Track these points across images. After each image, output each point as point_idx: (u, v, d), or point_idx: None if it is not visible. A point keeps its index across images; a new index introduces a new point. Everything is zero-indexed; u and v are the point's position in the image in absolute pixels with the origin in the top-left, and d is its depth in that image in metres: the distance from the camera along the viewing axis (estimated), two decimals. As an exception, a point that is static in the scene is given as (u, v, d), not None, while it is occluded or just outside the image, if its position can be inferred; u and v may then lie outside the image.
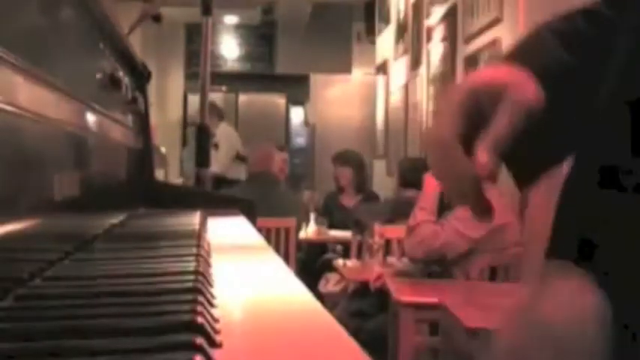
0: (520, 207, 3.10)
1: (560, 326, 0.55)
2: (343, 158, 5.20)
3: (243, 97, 10.51)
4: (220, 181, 6.08)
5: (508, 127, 0.60)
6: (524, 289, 0.61)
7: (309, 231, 4.87)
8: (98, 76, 1.26)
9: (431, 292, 2.64)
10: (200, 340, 0.50)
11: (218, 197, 2.15)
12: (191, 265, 0.80)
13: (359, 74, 8.94)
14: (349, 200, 5.12)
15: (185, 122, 9.54)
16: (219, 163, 6.52)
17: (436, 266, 2.97)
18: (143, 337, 0.53)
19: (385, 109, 6.90)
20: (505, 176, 0.65)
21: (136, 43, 2.10)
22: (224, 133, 6.95)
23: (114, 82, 1.33)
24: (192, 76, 9.68)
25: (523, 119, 0.61)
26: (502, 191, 3.14)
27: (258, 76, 10.66)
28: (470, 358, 1.99)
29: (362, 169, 5.26)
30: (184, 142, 9.44)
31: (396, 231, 3.69)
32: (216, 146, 6.61)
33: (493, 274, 3.02)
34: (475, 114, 0.63)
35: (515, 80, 0.63)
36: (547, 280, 0.58)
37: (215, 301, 0.68)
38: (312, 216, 4.93)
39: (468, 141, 0.63)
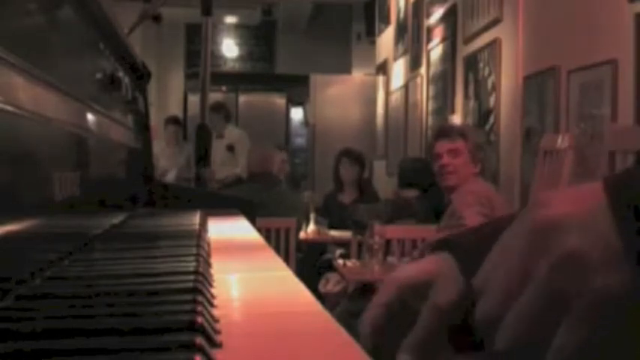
0: (520, 205, 3.11)
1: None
2: (353, 156, 5.20)
3: (243, 97, 10.52)
4: (240, 182, 6.07)
5: (428, 333, 0.57)
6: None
7: (309, 231, 4.87)
8: (98, 76, 1.26)
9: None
10: (200, 340, 0.50)
11: (218, 197, 2.15)
12: (191, 265, 0.80)
13: (359, 74, 8.94)
14: (348, 197, 5.13)
15: (185, 122, 9.55)
16: (241, 165, 6.51)
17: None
18: (143, 337, 0.53)
19: (385, 109, 6.90)
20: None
21: (136, 43, 2.10)
22: (237, 136, 6.90)
23: (114, 82, 1.33)
24: (192, 76, 9.69)
25: (441, 323, 0.57)
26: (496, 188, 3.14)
27: (258, 76, 10.67)
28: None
29: (364, 167, 5.30)
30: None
31: (396, 231, 3.69)
32: (230, 148, 6.57)
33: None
34: (402, 311, 0.60)
35: (440, 276, 0.59)
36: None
37: (215, 301, 0.68)
38: (312, 216, 4.93)
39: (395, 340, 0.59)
